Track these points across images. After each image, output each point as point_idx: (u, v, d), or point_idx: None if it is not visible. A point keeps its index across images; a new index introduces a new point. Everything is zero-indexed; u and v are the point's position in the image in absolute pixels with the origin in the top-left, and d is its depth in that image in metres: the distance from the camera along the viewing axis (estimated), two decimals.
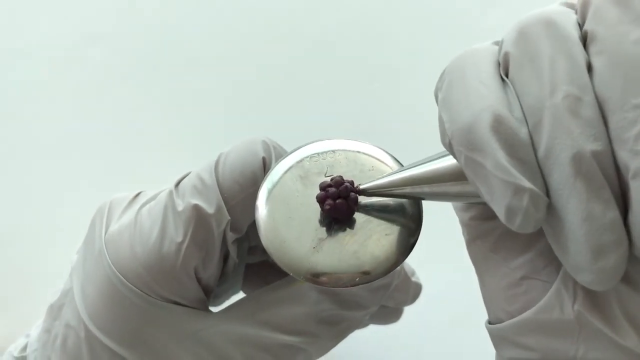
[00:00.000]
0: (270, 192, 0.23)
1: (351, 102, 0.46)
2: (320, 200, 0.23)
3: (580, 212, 0.16)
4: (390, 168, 0.24)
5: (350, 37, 0.48)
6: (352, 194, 0.23)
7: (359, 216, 0.23)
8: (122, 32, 0.48)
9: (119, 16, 0.48)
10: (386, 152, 0.25)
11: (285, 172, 0.24)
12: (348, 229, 0.23)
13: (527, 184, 0.16)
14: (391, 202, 0.23)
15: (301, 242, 0.22)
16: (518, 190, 0.16)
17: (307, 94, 0.46)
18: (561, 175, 0.16)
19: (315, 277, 0.22)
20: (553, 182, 0.16)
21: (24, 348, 0.28)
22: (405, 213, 0.23)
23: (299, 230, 0.23)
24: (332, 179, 0.23)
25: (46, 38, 0.47)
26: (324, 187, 0.23)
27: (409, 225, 0.23)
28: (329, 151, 0.24)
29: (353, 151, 0.25)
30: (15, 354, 0.28)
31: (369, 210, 0.23)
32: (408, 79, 0.46)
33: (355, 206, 0.23)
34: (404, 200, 0.23)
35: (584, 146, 0.16)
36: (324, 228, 0.23)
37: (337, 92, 0.46)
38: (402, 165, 0.24)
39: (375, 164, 0.24)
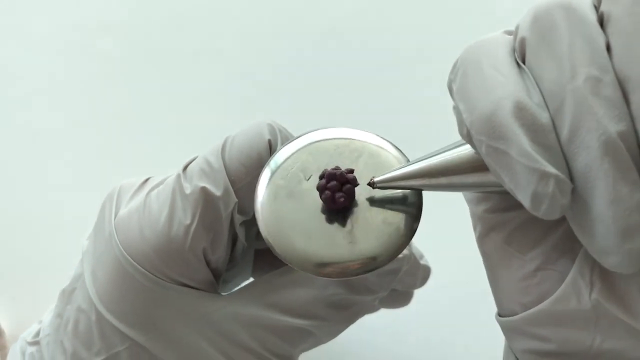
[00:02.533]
0: (269, 186, 0.23)
1: (359, 92, 0.46)
2: (321, 192, 0.23)
3: (608, 194, 0.16)
4: (391, 154, 0.24)
5: (358, 26, 0.48)
6: (352, 181, 0.23)
7: (360, 204, 0.23)
8: (131, 23, 0.48)
9: (129, 7, 0.49)
10: (386, 140, 0.25)
11: (283, 163, 0.24)
12: (351, 218, 0.23)
13: (552, 169, 0.16)
14: (390, 192, 0.23)
15: (306, 236, 0.22)
16: (543, 176, 0.16)
17: (315, 85, 0.47)
18: (587, 158, 0.16)
19: (324, 270, 0.22)
20: (578, 166, 0.16)
21: (37, 334, 0.28)
22: (404, 200, 0.23)
23: (302, 225, 0.23)
24: (330, 170, 0.23)
25: (56, 29, 0.48)
26: (323, 180, 0.23)
27: (410, 211, 0.23)
28: (325, 140, 0.24)
29: (350, 139, 0.24)
30: (29, 339, 0.28)
31: (369, 199, 0.23)
32: (418, 69, 0.46)
33: (355, 194, 0.23)
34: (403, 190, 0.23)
35: (609, 127, 0.16)
36: (327, 219, 0.23)
37: (345, 82, 0.46)
38: (403, 153, 0.24)
39: (374, 150, 0.24)
